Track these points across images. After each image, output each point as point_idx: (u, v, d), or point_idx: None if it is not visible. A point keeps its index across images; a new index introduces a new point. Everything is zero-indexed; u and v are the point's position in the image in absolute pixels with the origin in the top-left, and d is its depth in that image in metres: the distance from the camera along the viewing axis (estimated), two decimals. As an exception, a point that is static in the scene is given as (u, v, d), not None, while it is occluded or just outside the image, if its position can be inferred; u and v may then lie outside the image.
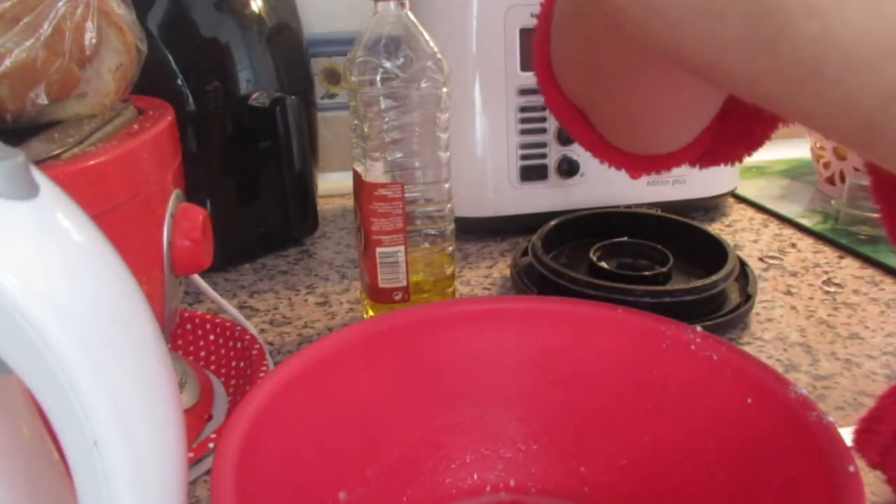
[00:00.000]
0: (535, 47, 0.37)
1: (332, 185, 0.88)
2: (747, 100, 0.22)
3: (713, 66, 0.21)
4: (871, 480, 0.40)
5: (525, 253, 0.65)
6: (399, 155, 0.52)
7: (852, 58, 0.17)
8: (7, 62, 0.37)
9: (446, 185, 0.54)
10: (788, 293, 0.63)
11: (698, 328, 0.36)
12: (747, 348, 0.54)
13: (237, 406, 0.32)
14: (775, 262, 0.69)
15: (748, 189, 0.86)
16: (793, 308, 0.60)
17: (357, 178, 0.53)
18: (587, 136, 0.38)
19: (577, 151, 0.73)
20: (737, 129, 0.36)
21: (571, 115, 0.37)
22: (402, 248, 0.52)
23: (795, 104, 0.20)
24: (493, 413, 0.39)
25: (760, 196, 0.84)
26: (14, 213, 0.19)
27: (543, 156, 0.72)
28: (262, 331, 0.59)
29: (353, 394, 0.36)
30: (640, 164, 0.38)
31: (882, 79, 0.17)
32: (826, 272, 0.67)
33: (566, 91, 0.37)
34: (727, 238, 0.66)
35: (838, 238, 0.72)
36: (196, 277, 0.50)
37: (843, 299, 0.62)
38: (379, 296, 0.54)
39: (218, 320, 0.56)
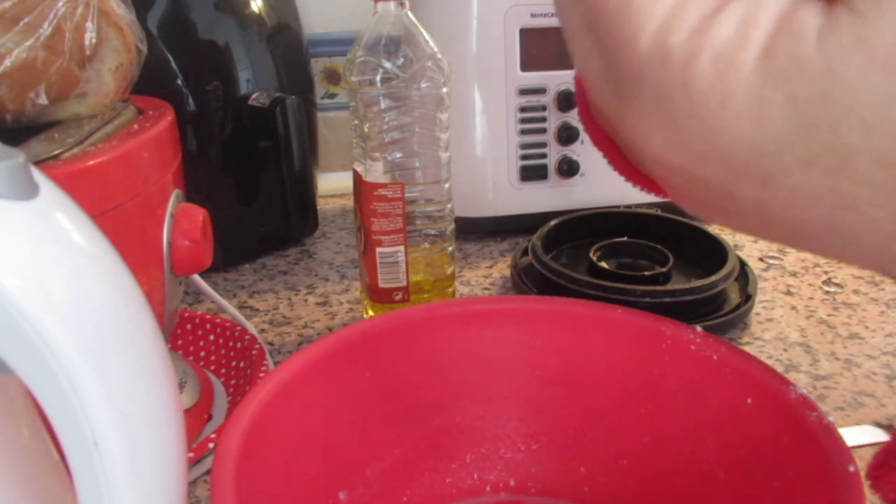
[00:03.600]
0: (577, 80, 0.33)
1: (332, 185, 0.88)
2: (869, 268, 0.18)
3: (808, 230, 0.16)
4: (871, 480, 0.40)
5: (525, 253, 0.65)
6: (399, 155, 0.52)
7: None
8: (7, 62, 0.36)
9: (446, 185, 0.54)
10: (788, 293, 0.63)
11: (698, 328, 0.36)
12: (747, 348, 0.54)
13: (237, 406, 0.32)
14: (775, 262, 0.69)
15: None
16: (793, 308, 0.60)
17: (357, 178, 0.53)
18: (625, 169, 0.34)
19: (577, 151, 0.73)
20: None
21: (610, 148, 0.33)
22: (402, 248, 0.52)
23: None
24: (493, 413, 0.39)
25: (760, 196, 0.84)
26: (14, 213, 0.19)
27: (543, 156, 0.72)
28: (262, 331, 0.59)
29: (353, 394, 0.36)
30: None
31: None
32: (826, 272, 0.67)
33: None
34: (727, 238, 0.66)
35: (838, 238, 0.72)
36: (196, 277, 0.50)
37: (843, 299, 0.62)
38: (379, 296, 0.54)
39: (218, 320, 0.56)
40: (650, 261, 0.62)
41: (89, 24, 0.39)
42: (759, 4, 0.15)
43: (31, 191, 0.19)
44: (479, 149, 0.72)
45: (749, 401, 0.33)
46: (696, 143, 0.16)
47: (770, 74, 0.15)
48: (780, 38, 0.14)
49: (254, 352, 0.51)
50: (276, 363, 0.53)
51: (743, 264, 0.62)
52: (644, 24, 0.16)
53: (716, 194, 0.17)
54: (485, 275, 0.67)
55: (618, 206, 0.72)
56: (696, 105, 0.16)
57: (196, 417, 0.47)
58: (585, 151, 0.73)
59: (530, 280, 0.62)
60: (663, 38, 0.16)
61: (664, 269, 0.59)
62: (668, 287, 0.57)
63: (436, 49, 0.51)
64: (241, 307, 0.63)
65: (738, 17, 0.15)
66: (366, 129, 0.51)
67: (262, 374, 0.48)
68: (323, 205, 0.85)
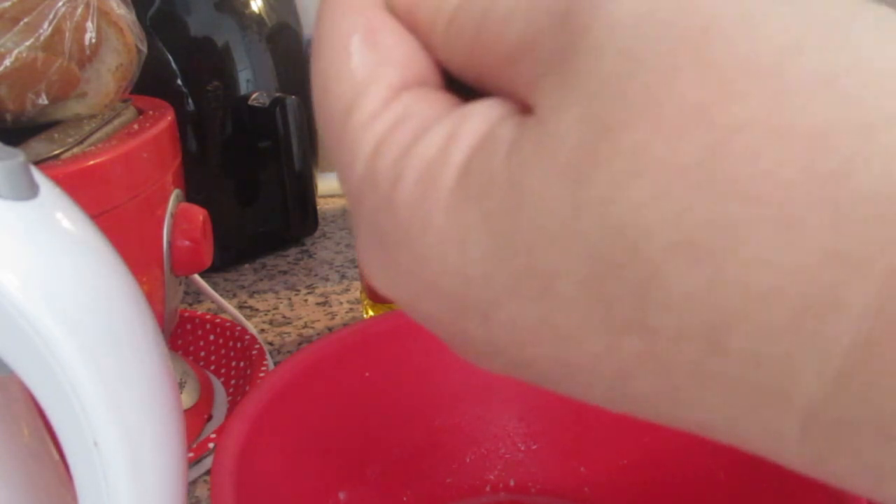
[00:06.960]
0: None
1: (332, 185, 0.88)
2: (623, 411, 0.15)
3: (555, 369, 0.14)
4: (871, 480, 0.40)
5: (525, 253, 0.65)
6: (399, 155, 0.52)
7: (769, 313, 0.11)
8: (7, 62, 0.37)
9: (446, 185, 0.54)
10: (788, 293, 0.63)
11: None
12: (747, 348, 0.54)
13: (237, 406, 0.32)
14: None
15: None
16: (793, 308, 0.60)
17: (357, 178, 0.53)
18: None
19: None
20: None
21: None
22: (402, 248, 0.52)
23: (688, 410, 0.13)
24: (493, 413, 0.39)
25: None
26: (14, 213, 0.19)
27: (543, 156, 0.72)
28: (262, 331, 0.59)
29: (353, 394, 0.36)
30: None
31: (825, 339, 0.10)
32: (826, 272, 0.67)
33: None
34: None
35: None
36: (196, 277, 0.50)
37: (843, 299, 0.62)
38: (379, 296, 0.54)
39: (218, 320, 0.56)
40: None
41: (89, 24, 0.39)
42: (464, 119, 0.14)
43: (31, 191, 0.19)
44: (479, 149, 0.72)
45: (749, 401, 0.33)
46: (408, 274, 0.14)
47: (466, 193, 0.13)
48: (477, 154, 0.13)
49: (254, 352, 0.51)
50: (276, 363, 0.53)
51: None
52: (359, 150, 0.15)
53: (456, 335, 0.15)
54: (485, 275, 0.67)
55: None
56: (401, 231, 0.14)
57: (196, 417, 0.47)
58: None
59: (530, 280, 0.62)
60: (373, 163, 0.14)
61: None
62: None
63: (436, 49, 0.51)
64: (241, 307, 0.63)
65: (443, 134, 0.13)
66: (366, 129, 0.51)
67: (262, 374, 0.48)
68: (323, 205, 0.85)
